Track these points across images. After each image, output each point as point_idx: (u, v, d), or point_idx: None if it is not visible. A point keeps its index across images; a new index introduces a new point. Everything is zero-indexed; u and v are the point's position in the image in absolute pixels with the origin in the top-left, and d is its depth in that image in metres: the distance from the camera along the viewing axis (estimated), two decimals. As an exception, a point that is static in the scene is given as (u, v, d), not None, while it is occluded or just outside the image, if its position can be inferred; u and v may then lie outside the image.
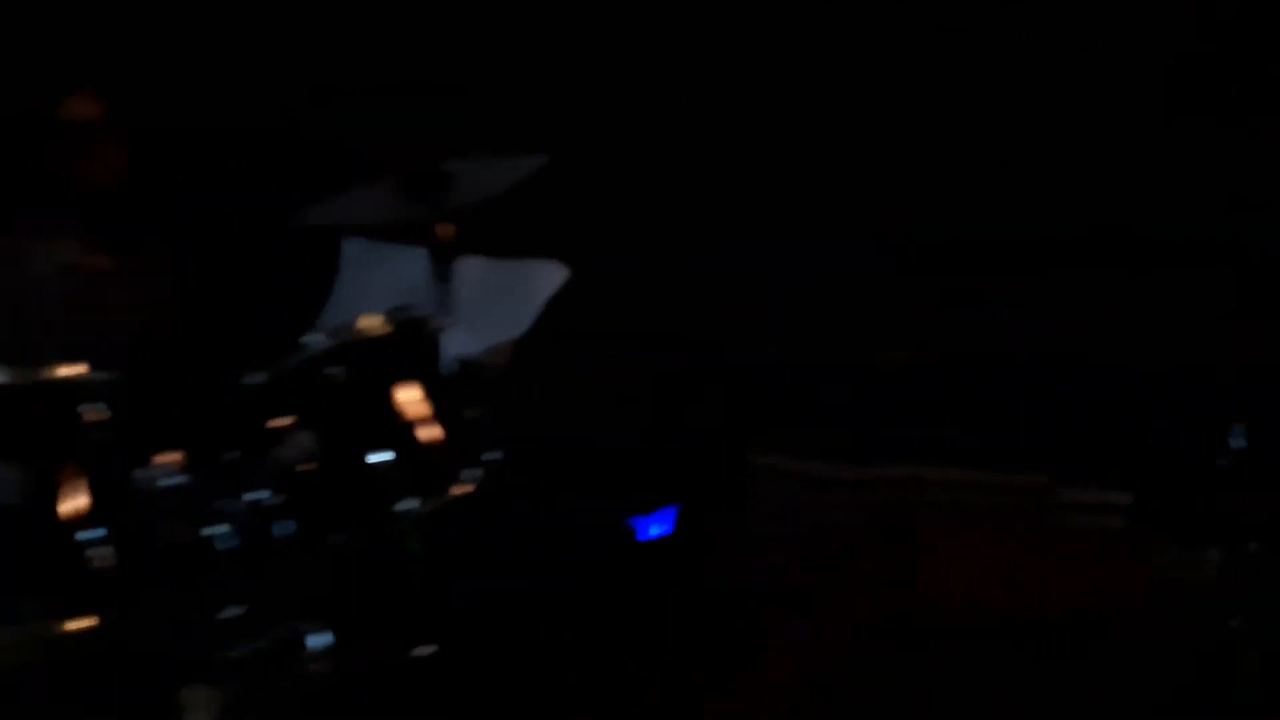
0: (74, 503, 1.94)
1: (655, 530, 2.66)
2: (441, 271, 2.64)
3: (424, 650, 2.08)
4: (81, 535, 1.93)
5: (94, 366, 2.02)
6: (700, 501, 2.76)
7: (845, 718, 2.33)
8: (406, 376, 2.30)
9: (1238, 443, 2.66)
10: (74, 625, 1.91)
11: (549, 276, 3.00)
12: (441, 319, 2.49)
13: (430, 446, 2.26)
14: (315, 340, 2.24)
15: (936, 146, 3.17)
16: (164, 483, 2.06)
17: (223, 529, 2.11)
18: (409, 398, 2.30)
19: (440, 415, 2.31)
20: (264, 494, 2.13)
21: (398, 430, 2.25)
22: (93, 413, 1.98)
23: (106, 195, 2.63)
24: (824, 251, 3.09)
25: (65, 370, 1.99)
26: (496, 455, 2.30)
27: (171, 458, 2.08)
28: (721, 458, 2.85)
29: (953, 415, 2.91)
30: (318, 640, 2.09)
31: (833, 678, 2.40)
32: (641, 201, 3.30)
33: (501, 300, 2.96)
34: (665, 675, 2.41)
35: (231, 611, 2.06)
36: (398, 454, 2.23)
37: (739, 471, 2.85)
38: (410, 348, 2.35)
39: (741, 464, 2.85)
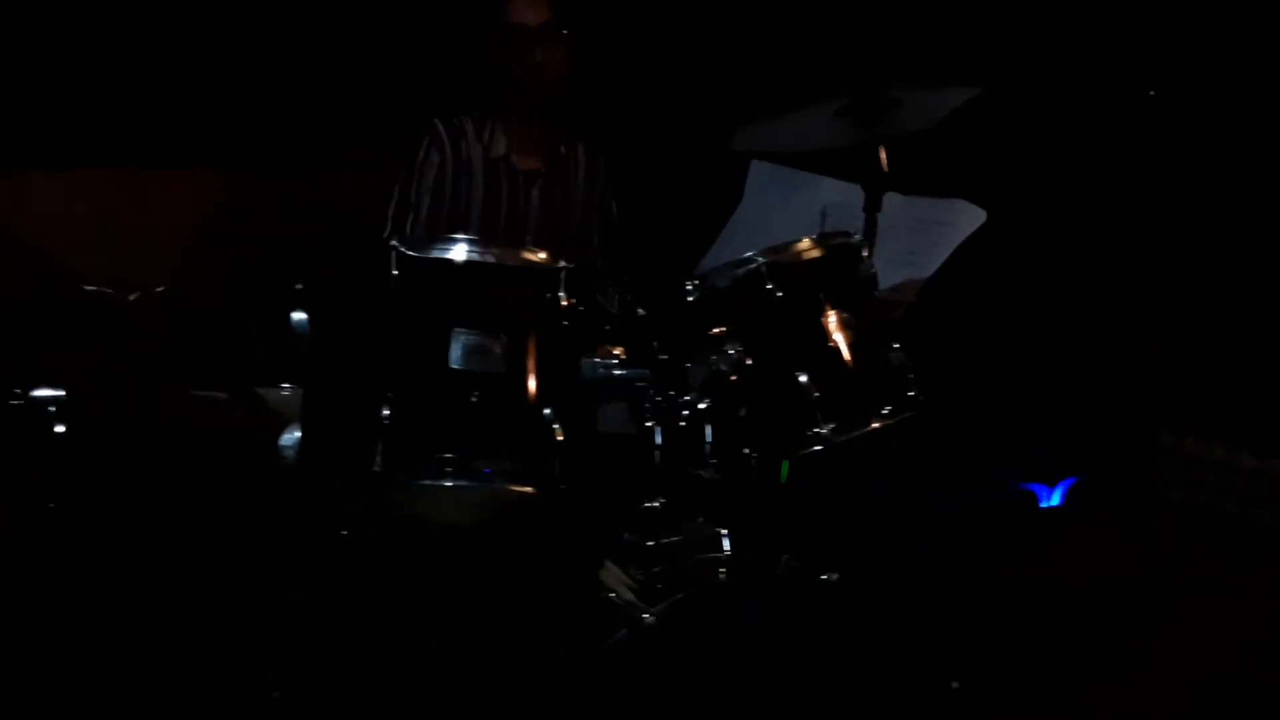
0: (535, 377, 2.25)
1: (1055, 500, 2.74)
2: (871, 201, 2.80)
3: (829, 575, 2.29)
4: (535, 409, 2.24)
5: (553, 257, 2.32)
6: (1102, 478, 2.81)
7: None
8: (836, 302, 2.48)
9: None
10: (520, 490, 2.23)
11: (966, 218, 3.10)
12: (868, 247, 2.65)
13: (852, 375, 2.44)
14: (752, 257, 2.45)
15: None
16: (607, 373, 2.35)
17: (653, 424, 2.38)
18: (836, 323, 2.48)
19: (864, 346, 2.48)
20: (692, 397, 2.39)
21: (823, 354, 2.44)
22: (558, 298, 2.27)
23: (545, 98, 2.94)
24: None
25: (539, 255, 2.29)
26: (915, 395, 2.45)
27: (616, 351, 2.37)
28: (1130, 435, 2.88)
29: None
30: (725, 545, 2.34)
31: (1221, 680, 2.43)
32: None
33: (912, 237, 3.08)
34: (1043, 644, 2.51)
35: (653, 502, 2.34)
36: (820, 378, 2.42)
37: (1148, 452, 2.87)
38: (842, 273, 2.53)
39: (1152, 444, 2.87)
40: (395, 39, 3.47)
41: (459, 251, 2.26)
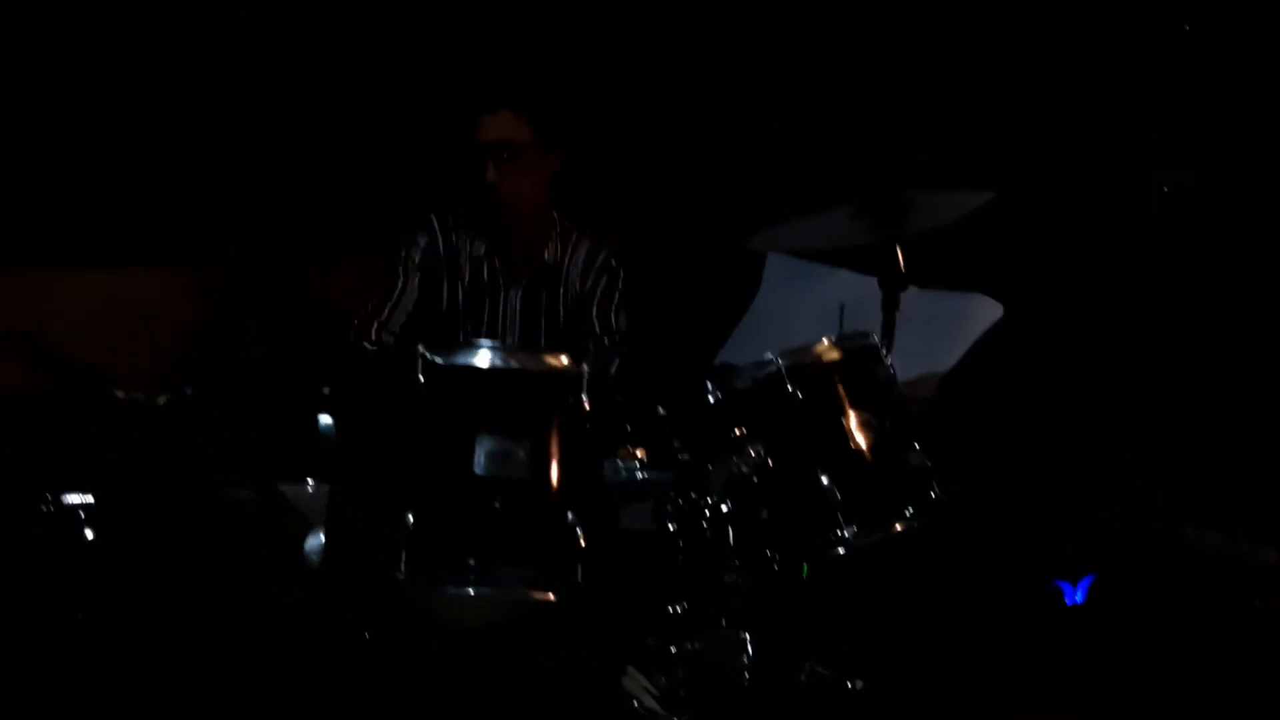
0: (558, 481, 2.27)
1: (1078, 596, 2.73)
2: (890, 299, 2.83)
3: (855, 682, 2.28)
4: (558, 514, 2.26)
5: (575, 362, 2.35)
6: (1127, 574, 2.81)
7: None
8: (856, 403, 2.51)
9: None
10: (542, 596, 2.25)
11: (984, 311, 3.12)
12: (886, 346, 2.68)
13: (874, 477, 2.46)
14: (772, 359, 2.48)
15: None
16: (628, 476, 2.37)
17: (674, 527, 2.40)
18: (857, 424, 2.50)
19: (885, 447, 2.50)
20: (713, 500, 2.41)
21: (844, 456, 2.46)
22: (581, 401, 2.29)
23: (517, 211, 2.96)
24: None
25: (561, 360, 2.33)
26: (937, 496, 2.46)
27: (638, 453, 2.39)
28: (1153, 531, 2.88)
29: None
30: (749, 650, 2.34)
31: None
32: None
33: (931, 332, 3.10)
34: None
35: (676, 606, 2.34)
36: (841, 480, 2.44)
37: (1172, 548, 2.87)
38: (861, 375, 2.55)
39: (1176, 541, 2.87)
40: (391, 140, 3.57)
41: (483, 357, 2.31)
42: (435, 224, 3.08)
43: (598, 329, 3.05)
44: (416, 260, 3.04)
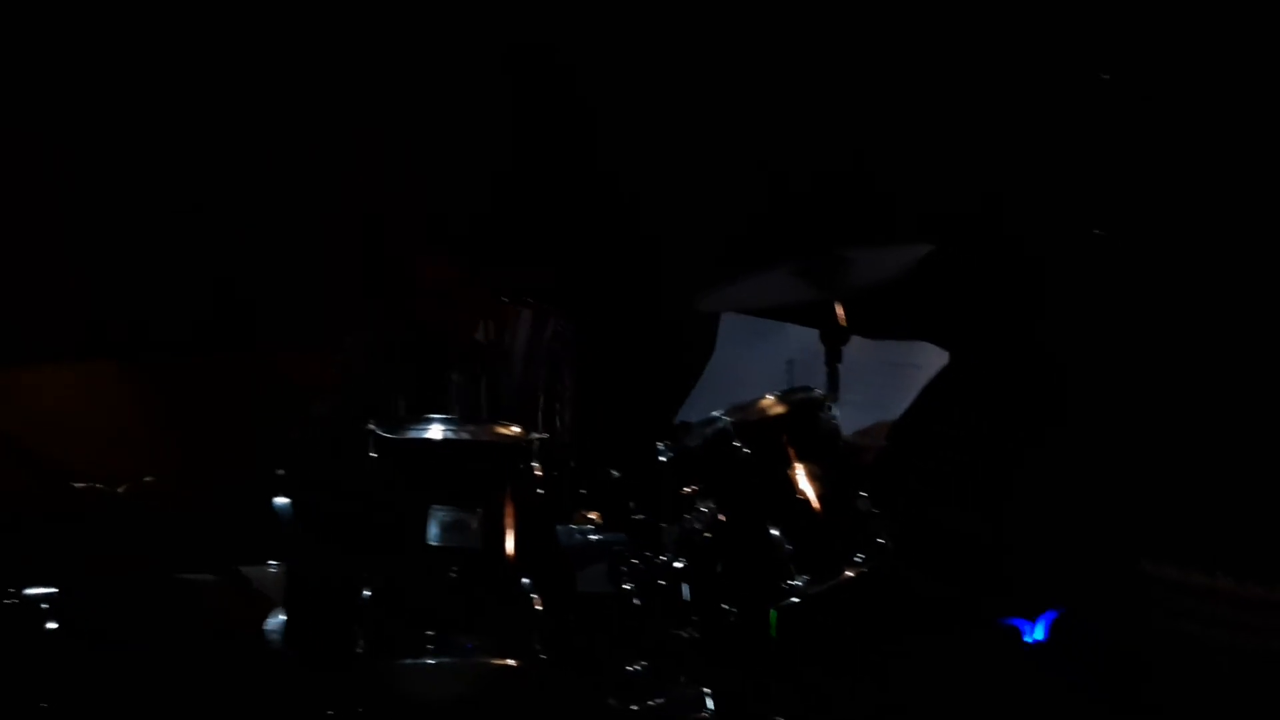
0: (513, 549, 2.33)
1: (1038, 634, 2.79)
2: (832, 353, 2.92)
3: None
4: (514, 580, 2.32)
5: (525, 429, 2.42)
6: (1087, 610, 2.87)
7: None
8: (803, 456, 2.58)
9: None
10: (501, 663, 2.30)
11: (932, 359, 3.21)
12: (832, 399, 2.76)
13: (822, 526, 2.53)
14: (719, 417, 2.56)
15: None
16: (584, 538, 2.44)
17: (630, 586, 2.46)
18: (804, 476, 2.58)
19: (832, 496, 2.57)
20: (668, 557, 2.47)
21: (793, 507, 2.53)
22: (532, 469, 2.37)
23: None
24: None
25: (511, 430, 2.40)
26: (886, 542, 2.52)
27: (592, 516, 2.46)
28: (1111, 564, 2.94)
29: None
30: (709, 705, 2.39)
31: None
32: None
33: (880, 381, 3.19)
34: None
35: (636, 665, 2.39)
36: (792, 531, 2.50)
37: (1131, 581, 2.93)
38: (806, 428, 2.63)
39: (1134, 573, 2.92)
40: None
41: (435, 431, 2.38)
42: (362, 321, 3.05)
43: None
44: (349, 364, 2.99)
